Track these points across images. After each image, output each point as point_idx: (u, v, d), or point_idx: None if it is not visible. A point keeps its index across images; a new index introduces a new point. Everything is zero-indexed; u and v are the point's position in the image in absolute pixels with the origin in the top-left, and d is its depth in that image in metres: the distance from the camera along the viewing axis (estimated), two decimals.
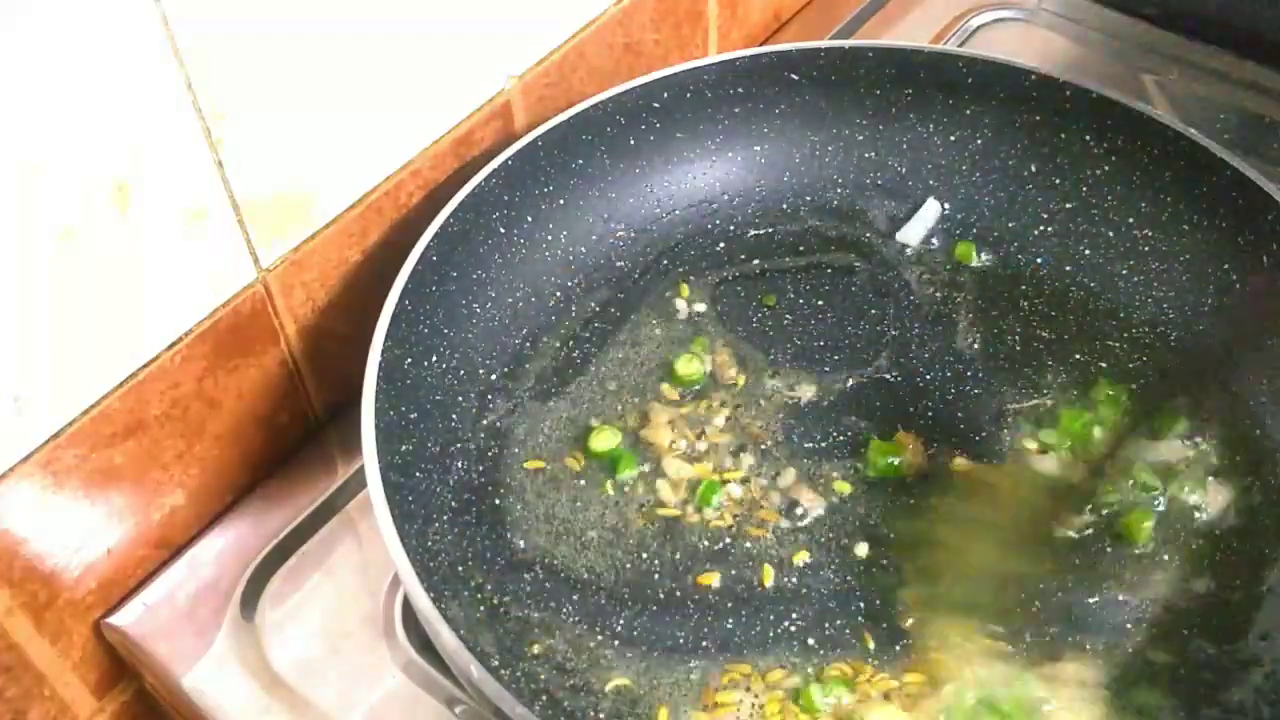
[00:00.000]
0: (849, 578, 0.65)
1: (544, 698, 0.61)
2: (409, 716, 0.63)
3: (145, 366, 0.63)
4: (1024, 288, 0.78)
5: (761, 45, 0.88)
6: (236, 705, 0.63)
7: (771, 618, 0.64)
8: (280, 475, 0.73)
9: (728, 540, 0.67)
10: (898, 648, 0.62)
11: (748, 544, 0.67)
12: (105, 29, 0.53)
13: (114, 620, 0.67)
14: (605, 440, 0.71)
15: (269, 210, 0.65)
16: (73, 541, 0.64)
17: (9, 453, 0.59)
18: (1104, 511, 0.66)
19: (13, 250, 0.54)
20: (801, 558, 0.66)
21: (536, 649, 0.63)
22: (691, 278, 0.80)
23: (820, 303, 0.78)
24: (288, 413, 0.73)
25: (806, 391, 0.73)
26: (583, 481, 0.70)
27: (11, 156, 0.52)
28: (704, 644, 0.63)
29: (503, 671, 0.60)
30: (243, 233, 0.65)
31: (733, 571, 0.66)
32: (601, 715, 0.61)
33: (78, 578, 0.65)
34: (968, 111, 0.80)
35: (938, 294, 0.78)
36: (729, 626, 0.64)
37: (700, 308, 0.78)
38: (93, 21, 0.53)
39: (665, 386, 0.74)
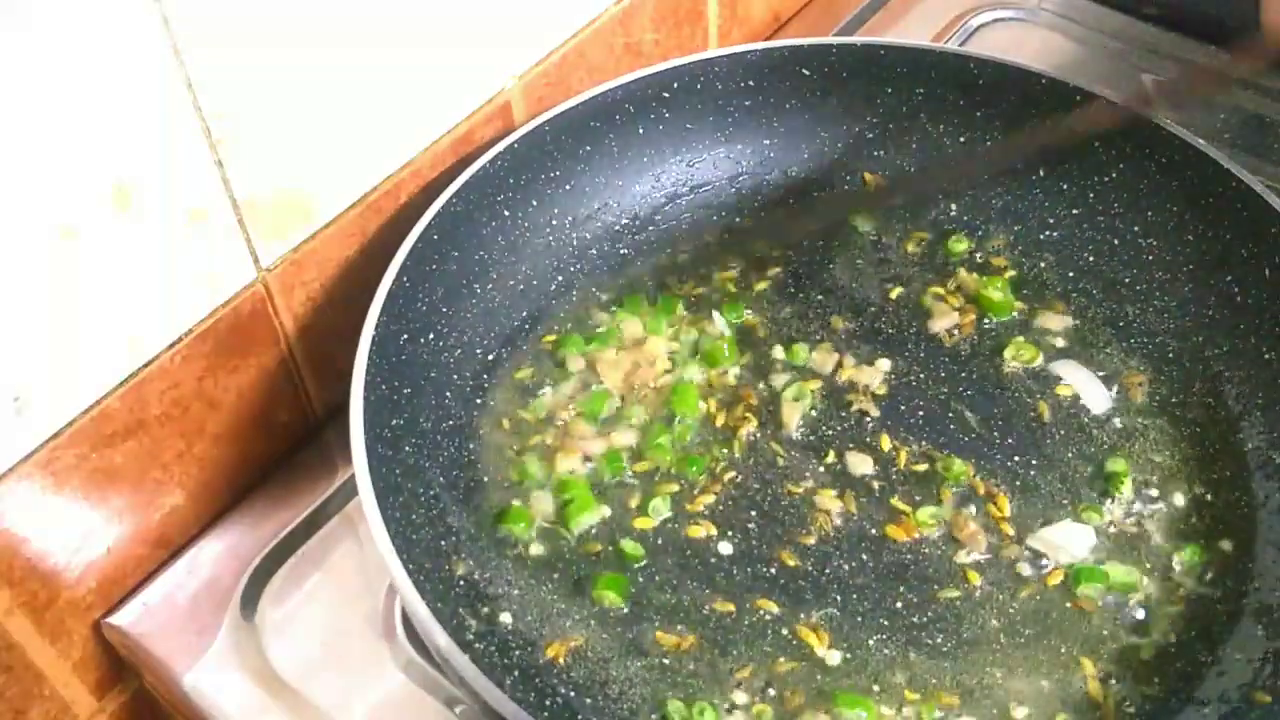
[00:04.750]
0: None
1: (515, 673, 0.61)
2: (409, 716, 0.63)
3: (145, 366, 0.63)
4: (1025, 291, 0.78)
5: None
6: (236, 705, 0.64)
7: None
8: (280, 475, 0.73)
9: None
10: None
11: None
12: (105, 29, 0.53)
13: (114, 620, 0.67)
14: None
15: (269, 210, 0.65)
16: (72, 541, 0.64)
17: (9, 453, 0.59)
18: None
19: (13, 250, 0.54)
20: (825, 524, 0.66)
21: (516, 625, 0.63)
22: (694, 268, 0.80)
23: (820, 297, 0.78)
24: (288, 413, 0.73)
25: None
26: None
27: (11, 156, 0.52)
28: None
29: (476, 645, 0.60)
30: (243, 233, 0.65)
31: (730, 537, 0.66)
32: (572, 693, 0.61)
33: (77, 577, 0.65)
34: (978, 113, 0.80)
35: (938, 294, 0.78)
36: (718, 610, 0.64)
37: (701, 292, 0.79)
38: (93, 21, 0.53)
39: None
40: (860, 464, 0.70)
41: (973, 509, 0.68)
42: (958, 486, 0.69)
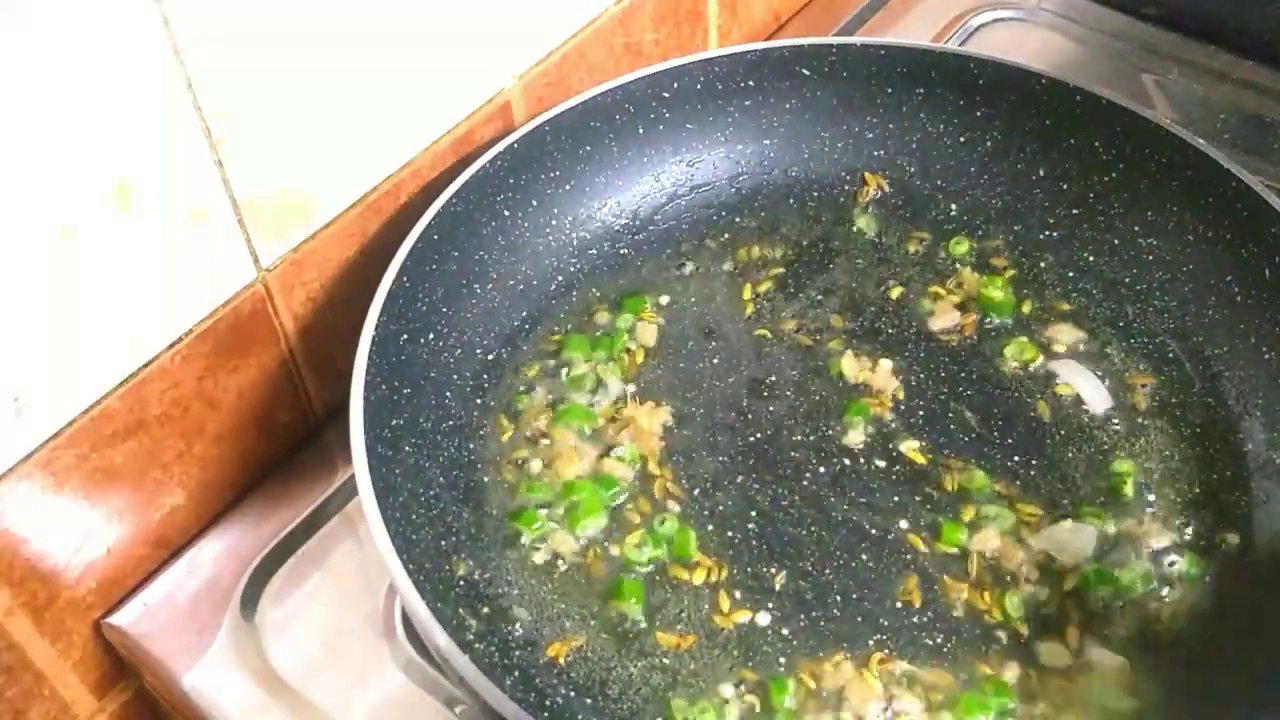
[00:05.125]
0: None
1: (515, 673, 0.61)
2: (409, 716, 0.63)
3: (145, 366, 0.63)
4: (1025, 291, 0.78)
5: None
6: (236, 705, 0.64)
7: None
8: (280, 475, 0.73)
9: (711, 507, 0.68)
10: None
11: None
12: (105, 29, 0.53)
13: (114, 620, 0.67)
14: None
15: (269, 210, 0.65)
16: (73, 541, 0.64)
17: (9, 453, 0.59)
18: None
19: (13, 250, 0.54)
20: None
21: (516, 626, 0.63)
22: (695, 267, 0.80)
23: (820, 297, 0.78)
24: (288, 413, 0.73)
25: None
26: None
27: (11, 156, 0.52)
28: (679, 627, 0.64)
29: (476, 645, 0.60)
30: (243, 233, 0.65)
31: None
32: (572, 693, 0.61)
33: (77, 577, 0.65)
34: (978, 113, 0.80)
35: (938, 294, 0.78)
36: (706, 611, 0.64)
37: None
38: (93, 21, 0.53)
39: None
40: (861, 464, 0.70)
41: (974, 509, 0.68)
42: (958, 487, 0.69)
